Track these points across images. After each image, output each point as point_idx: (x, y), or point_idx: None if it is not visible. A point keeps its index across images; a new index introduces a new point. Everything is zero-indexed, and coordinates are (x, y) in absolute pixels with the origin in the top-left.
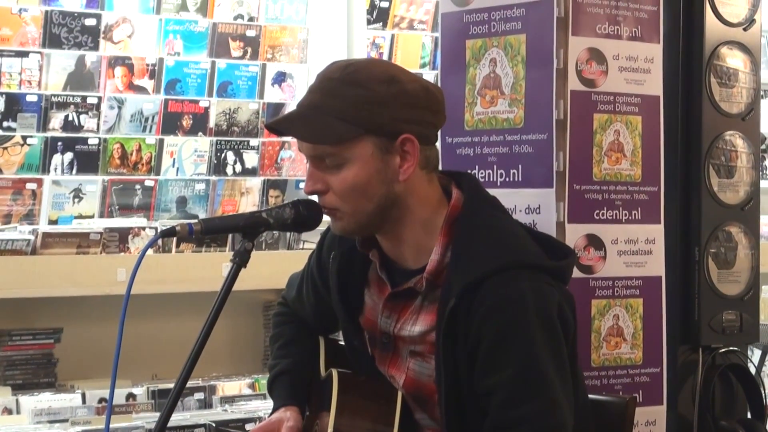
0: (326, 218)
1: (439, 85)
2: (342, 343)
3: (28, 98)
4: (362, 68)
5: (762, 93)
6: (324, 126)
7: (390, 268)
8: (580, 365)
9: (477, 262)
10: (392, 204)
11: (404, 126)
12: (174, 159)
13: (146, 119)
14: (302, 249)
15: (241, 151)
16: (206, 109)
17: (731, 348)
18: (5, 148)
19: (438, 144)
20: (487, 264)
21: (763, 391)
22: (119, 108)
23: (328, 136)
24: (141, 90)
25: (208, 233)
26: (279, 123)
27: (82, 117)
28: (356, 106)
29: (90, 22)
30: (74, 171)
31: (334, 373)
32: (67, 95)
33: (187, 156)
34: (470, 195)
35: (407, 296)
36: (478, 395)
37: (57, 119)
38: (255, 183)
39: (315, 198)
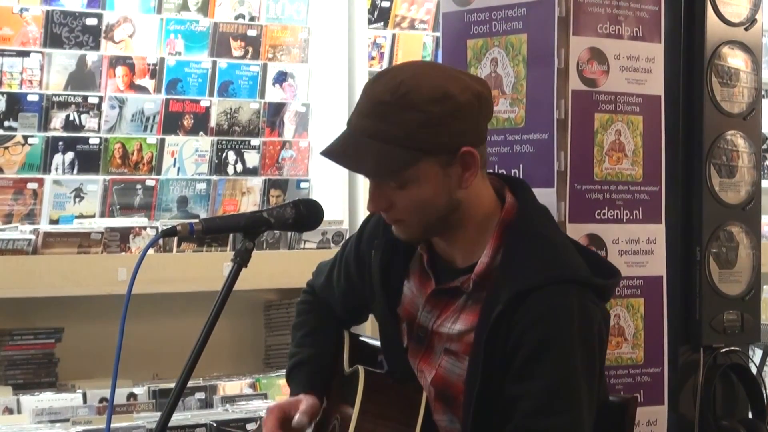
0: (328, 217)
1: None
2: (366, 339)
3: (29, 98)
4: (414, 88)
5: (763, 93)
6: (385, 156)
7: (436, 264)
8: (604, 375)
9: (528, 272)
10: (454, 210)
11: (462, 139)
12: (175, 159)
13: (147, 119)
14: (303, 249)
15: (242, 150)
16: (207, 109)
17: (732, 348)
18: (6, 148)
19: None
20: (538, 274)
21: (764, 391)
22: (120, 108)
23: (391, 167)
24: (142, 90)
25: (209, 233)
26: (336, 156)
27: (83, 117)
28: (415, 131)
29: (91, 21)
30: (75, 171)
31: (361, 371)
32: (68, 95)
33: (188, 156)
34: (525, 202)
35: (451, 294)
36: (505, 399)
37: (58, 119)
38: (256, 183)
39: (314, 197)
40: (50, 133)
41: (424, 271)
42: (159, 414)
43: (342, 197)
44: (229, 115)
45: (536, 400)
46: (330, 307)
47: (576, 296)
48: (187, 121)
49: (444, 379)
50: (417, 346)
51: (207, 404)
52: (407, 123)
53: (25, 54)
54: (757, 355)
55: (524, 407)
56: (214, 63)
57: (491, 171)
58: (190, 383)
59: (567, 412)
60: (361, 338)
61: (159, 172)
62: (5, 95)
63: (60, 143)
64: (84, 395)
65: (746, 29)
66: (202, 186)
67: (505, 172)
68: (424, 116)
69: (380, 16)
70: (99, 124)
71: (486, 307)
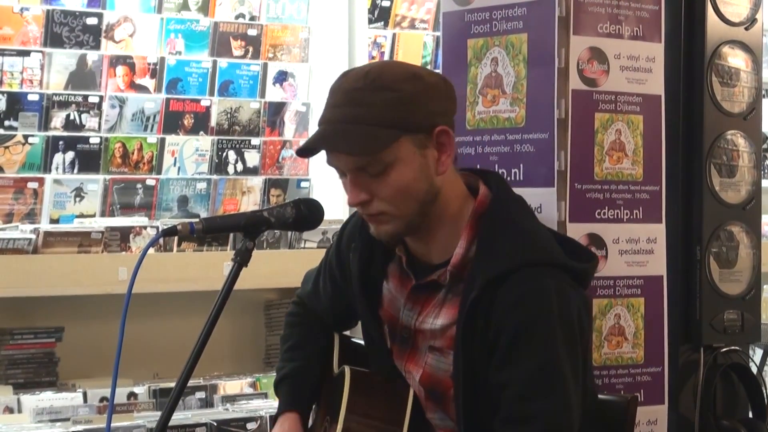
0: (329, 216)
1: None
2: (357, 341)
3: (30, 97)
4: (383, 72)
5: (764, 92)
6: (366, 136)
7: (414, 264)
8: (591, 368)
9: (502, 257)
10: (433, 199)
11: (436, 118)
12: (175, 158)
13: (147, 118)
14: (303, 248)
15: (243, 150)
16: (207, 108)
17: (733, 347)
18: (7, 147)
19: None
20: (512, 259)
21: (764, 391)
22: (120, 107)
23: (372, 146)
24: (142, 89)
25: (209, 232)
26: (316, 143)
27: (84, 116)
28: (390, 110)
29: (91, 21)
30: (75, 170)
31: (347, 370)
32: (68, 94)
33: (188, 155)
34: (498, 192)
35: (431, 289)
36: (492, 388)
37: (58, 118)
38: (256, 182)
39: (314, 197)
40: (51, 133)
41: (403, 271)
42: (159, 413)
43: (342, 197)
44: (229, 115)
45: (522, 385)
46: (318, 317)
47: (553, 278)
48: (188, 121)
49: (431, 377)
50: (402, 347)
51: (207, 404)
52: (382, 103)
53: (25, 53)
54: (757, 354)
55: (511, 394)
56: (215, 62)
57: (463, 168)
58: (191, 382)
59: (553, 394)
60: (351, 339)
61: (159, 172)
62: (6, 95)
63: (60, 143)
64: (84, 394)
65: (746, 29)
66: (202, 185)
67: (505, 172)
68: (398, 95)
69: (380, 15)
70: (99, 124)
71: (464, 297)
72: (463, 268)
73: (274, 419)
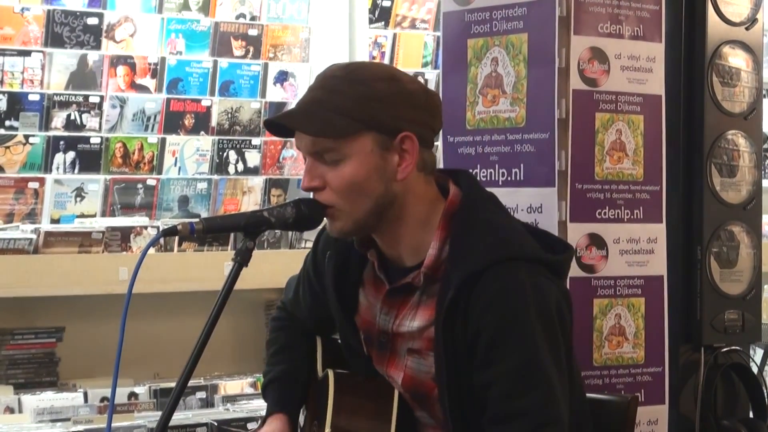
0: None
1: (441, 84)
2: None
3: (31, 97)
4: (364, 67)
5: (765, 92)
6: (325, 120)
7: (387, 267)
8: (576, 363)
9: (475, 255)
10: (390, 203)
11: (404, 124)
12: (176, 158)
13: (148, 118)
14: (304, 248)
15: (243, 150)
16: (208, 108)
17: (733, 347)
18: (7, 147)
19: (439, 143)
20: (485, 256)
21: (765, 391)
22: (121, 107)
23: (328, 130)
24: (143, 89)
25: (209, 232)
26: (280, 118)
27: (84, 116)
28: (358, 102)
29: (92, 21)
30: (76, 170)
31: (330, 373)
32: (69, 94)
33: (189, 155)
34: (468, 191)
35: (405, 292)
36: (477, 388)
37: (59, 118)
38: (257, 182)
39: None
40: (51, 133)
41: (376, 276)
42: (160, 413)
43: None
44: (230, 115)
45: (505, 382)
46: (301, 322)
47: (526, 272)
48: (188, 121)
49: (413, 380)
50: (381, 352)
51: (208, 403)
52: (352, 94)
53: (26, 53)
54: (757, 354)
55: (496, 393)
56: (215, 62)
57: (438, 169)
58: (191, 382)
59: (536, 389)
60: (335, 341)
61: (160, 172)
62: (6, 95)
63: (61, 143)
64: (85, 394)
65: (747, 29)
66: (203, 185)
67: (505, 172)
68: (370, 90)
69: (381, 15)
70: (100, 124)
71: (440, 296)
72: (437, 269)
73: (261, 422)
